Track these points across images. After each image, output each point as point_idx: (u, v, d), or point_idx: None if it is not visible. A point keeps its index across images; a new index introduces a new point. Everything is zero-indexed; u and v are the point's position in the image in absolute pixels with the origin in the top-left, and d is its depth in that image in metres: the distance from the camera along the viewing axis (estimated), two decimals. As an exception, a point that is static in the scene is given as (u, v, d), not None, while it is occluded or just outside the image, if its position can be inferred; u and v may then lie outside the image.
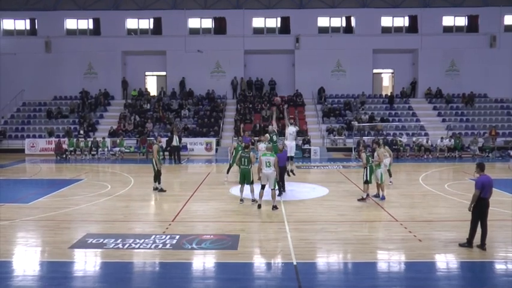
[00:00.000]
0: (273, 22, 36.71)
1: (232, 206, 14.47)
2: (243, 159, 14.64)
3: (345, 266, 9.43)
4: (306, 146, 29.28)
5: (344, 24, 36.45)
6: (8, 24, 37.80)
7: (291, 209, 13.86)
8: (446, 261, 9.48)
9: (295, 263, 9.07)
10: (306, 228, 11.63)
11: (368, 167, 14.82)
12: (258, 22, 36.65)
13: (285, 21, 36.11)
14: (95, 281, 8.74)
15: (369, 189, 15.05)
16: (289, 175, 16.88)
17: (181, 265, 9.20)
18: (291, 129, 17.68)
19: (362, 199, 14.86)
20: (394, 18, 36.43)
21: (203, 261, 9.56)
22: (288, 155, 16.69)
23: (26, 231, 12.08)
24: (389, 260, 9.59)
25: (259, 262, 9.46)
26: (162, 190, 16.73)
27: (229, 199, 15.59)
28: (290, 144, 17.17)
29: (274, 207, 13.43)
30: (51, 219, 12.97)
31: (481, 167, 9.90)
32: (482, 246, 9.70)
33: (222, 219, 12.69)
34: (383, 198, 15.02)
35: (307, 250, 9.93)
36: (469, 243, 9.85)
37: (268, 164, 13.39)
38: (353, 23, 36.24)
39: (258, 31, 36.65)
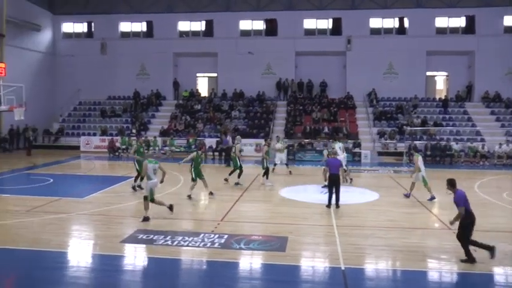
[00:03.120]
0: (325, 23, 36.37)
1: (281, 207, 14.49)
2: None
3: (394, 273, 9.26)
4: (356, 150, 28.85)
5: (397, 25, 35.66)
6: (67, 27, 39.43)
7: (340, 213, 13.74)
8: (504, 274, 9.09)
9: (343, 268, 8.99)
10: (354, 233, 11.51)
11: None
12: (309, 23, 36.41)
13: (337, 22, 35.71)
14: (144, 275, 9.00)
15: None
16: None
17: (229, 264, 9.30)
18: (338, 145, 19.31)
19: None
20: (450, 18, 35.24)
21: (250, 262, 9.64)
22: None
23: (80, 224, 12.64)
24: (441, 269, 9.29)
25: (306, 265, 9.44)
26: (139, 187, 16.94)
27: (278, 201, 15.63)
28: (340, 158, 18.14)
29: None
30: (104, 214, 13.44)
31: (453, 184, 9.67)
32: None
33: (271, 221, 12.74)
34: (432, 198, 15.46)
35: (355, 255, 9.82)
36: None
37: None
38: (406, 24, 35.39)
39: (309, 32, 36.42)
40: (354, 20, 35.21)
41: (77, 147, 32.25)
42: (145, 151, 17.88)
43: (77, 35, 39.36)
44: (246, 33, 36.89)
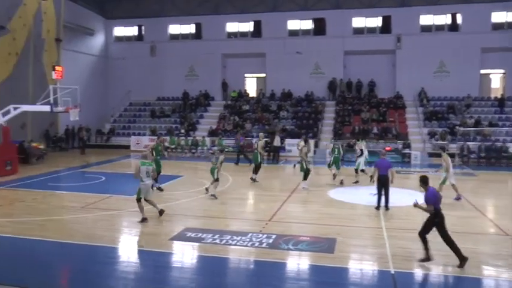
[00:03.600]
0: (374, 21, 35.66)
1: (330, 209, 14.39)
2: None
3: (445, 279, 8.97)
4: (406, 151, 28.19)
5: (449, 22, 34.51)
6: (118, 31, 40.62)
7: (390, 215, 13.50)
8: None
9: (392, 272, 8.83)
10: (404, 236, 11.24)
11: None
12: (358, 22, 35.81)
13: (386, 20, 34.97)
14: (192, 272, 9.16)
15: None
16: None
17: (277, 265, 9.32)
18: (363, 144, 19.76)
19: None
20: (508, 13, 33.56)
21: (298, 263, 9.62)
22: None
23: (131, 221, 12.98)
24: (498, 277, 8.85)
25: (355, 267, 9.32)
26: (160, 189, 16.75)
27: (326, 202, 15.51)
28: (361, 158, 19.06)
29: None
30: (153, 212, 13.72)
31: (425, 181, 9.60)
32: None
33: (319, 222, 12.67)
34: (458, 198, 15.49)
35: (405, 259, 9.60)
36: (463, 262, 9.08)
37: None
38: (459, 20, 34.16)
39: (358, 31, 35.84)
40: (403, 18, 34.32)
41: (128, 147, 33.13)
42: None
43: (128, 39, 40.45)
44: (294, 33, 36.75)
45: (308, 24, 36.52)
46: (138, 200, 12.61)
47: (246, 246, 10.36)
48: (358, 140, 20.96)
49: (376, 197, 14.21)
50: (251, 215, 14.13)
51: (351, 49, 35.14)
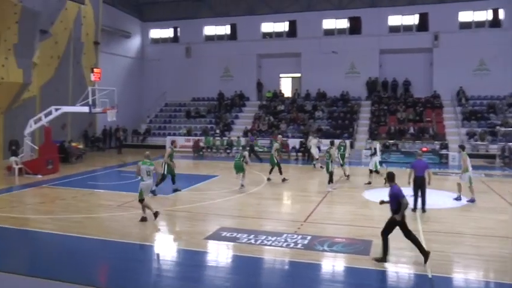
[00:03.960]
0: (410, 19, 34.96)
1: (365, 210, 14.24)
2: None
3: (486, 285, 8.68)
4: (444, 151, 27.55)
5: (490, 18, 33.43)
6: (155, 33, 41.31)
7: (426, 217, 13.22)
8: None
9: (430, 276, 8.64)
10: (442, 240, 11.01)
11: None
12: (394, 20, 35.20)
13: (423, 17, 34.17)
14: (226, 272, 9.22)
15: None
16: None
17: (312, 266, 9.28)
18: (378, 146, 19.55)
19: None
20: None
21: (333, 264, 9.55)
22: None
23: (166, 220, 13.23)
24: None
25: (391, 270, 9.16)
26: (153, 193, 15.87)
27: (362, 203, 15.35)
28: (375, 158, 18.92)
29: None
30: (189, 211, 13.93)
31: (391, 177, 9.71)
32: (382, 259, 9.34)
33: (354, 223, 12.55)
34: (472, 200, 15.16)
35: (443, 263, 9.38)
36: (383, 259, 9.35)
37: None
38: (501, 16, 33.04)
39: (394, 29, 35.23)
40: (441, 15, 33.44)
41: (163, 147, 33.45)
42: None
43: (164, 40, 41.04)
44: (329, 32, 36.46)
45: (343, 23, 36.18)
46: (141, 200, 12.72)
47: (281, 246, 10.35)
48: (373, 140, 20.55)
49: (412, 199, 13.96)
50: (286, 216, 14.10)
51: (387, 48, 34.59)
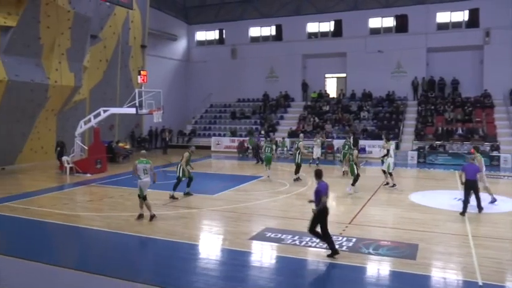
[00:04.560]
0: (460, 16, 33.83)
1: (411, 213, 13.89)
2: None
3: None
4: (495, 153, 26.51)
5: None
6: (200, 35, 41.94)
7: (476, 222, 12.76)
8: None
9: (480, 283, 8.27)
10: (493, 246, 10.57)
11: None
12: (442, 17, 34.15)
13: (474, 13, 32.94)
14: (271, 273, 9.19)
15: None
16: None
17: (357, 268, 9.15)
18: (392, 146, 18.88)
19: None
20: None
21: (379, 268, 9.36)
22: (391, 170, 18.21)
23: (211, 219, 13.37)
24: None
25: (438, 276, 8.86)
26: (174, 197, 15.91)
27: (408, 206, 14.99)
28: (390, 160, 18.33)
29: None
30: (233, 211, 14.00)
31: (318, 174, 10.06)
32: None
33: (400, 226, 12.26)
34: (493, 201, 14.83)
35: (495, 271, 8.96)
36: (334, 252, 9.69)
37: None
38: (561, 10, 31.42)
39: (442, 27, 34.16)
40: (493, 10, 32.08)
41: (208, 147, 33.99)
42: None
43: (209, 42, 41.58)
44: (375, 31, 35.89)
45: (390, 22, 35.50)
46: (143, 197, 12.87)
47: (326, 248, 10.22)
48: (387, 141, 19.89)
49: (460, 202, 13.57)
50: (331, 217, 13.71)
51: (435, 46, 33.63)
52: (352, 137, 26.65)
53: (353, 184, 16.90)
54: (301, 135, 25.20)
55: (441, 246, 10.55)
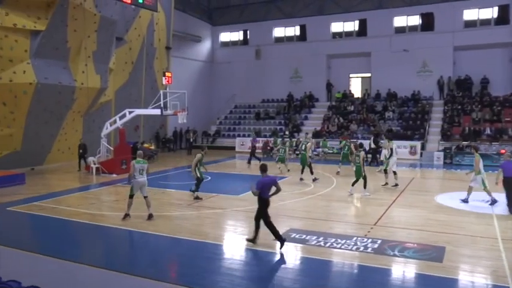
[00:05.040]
0: (488, 13, 33.08)
1: (438, 215, 13.65)
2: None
3: None
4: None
5: None
6: (225, 36, 42.14)
7: (506, 224, 12.48)
8: None
9: (511, 288, 8.07)
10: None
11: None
12: (470, 14, 33.48)
13: (503, 10, 32.12)
14: (295, 273, 9.15)
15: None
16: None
17: (382, 271, 9.03)
18: (394, 145, 19.02)
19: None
20: None
21: (404, 270, 9.23)
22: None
23: (235, 220, 13.42)
24: None
25: (467, 280, 8.65)
26: (198, 198, 15.96)
27: (434, 207, 14.75)
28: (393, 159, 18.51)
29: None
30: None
31: (263, 169, 10.82)
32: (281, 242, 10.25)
33: (426, 228, 12.06)
34: (493, 201, 14.55)
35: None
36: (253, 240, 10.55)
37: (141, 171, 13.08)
38: None
39: (470, 24, 33.47)
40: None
41: (233, 148, 34.09)
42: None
43: (233, 43, 41.75)
44: (400, 30, 35.46)
45: (415, 20, 35.02)
46: (130, 196, 13.06)
47: (351, 250, 10.16)
48: (389, 140, 19.59)
49: (488, 204, 13.35)
50: (356, 219, 13.84)
51: (462, 44, 32.93)
52: (373, 138, 26.50)
53: (364, 187, 16.60)
54: (309, 135, 25.19)
55: (469, 249, 10.33)
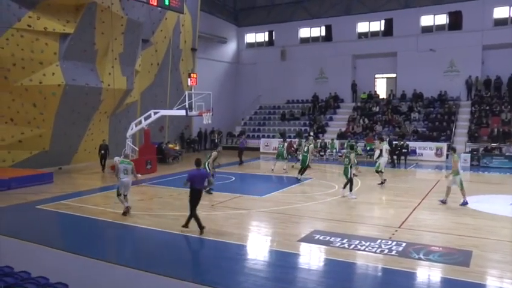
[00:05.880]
0: (520, 10, 32.26)
1: (464, 218, 13.42)
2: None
3: None
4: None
5: None
6: (250, 38, 42.25)
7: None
8: None
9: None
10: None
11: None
12: (500, 12, 32.62)
13: (535, 8, 31.35)
14: (319, 275, 9.12)
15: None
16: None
17: (406, 274, 8.94)
18: (385, 146, 19.25)
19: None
20: None
21: (429, 274, 9.11)
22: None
23: (259, 221, 13.44)
24: None
25: (494, 286, 8.48)
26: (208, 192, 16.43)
27: (461, 210, 14.47)
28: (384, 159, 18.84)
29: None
30: (282, 213, 14.00)
31: (196, 163, 12.04)
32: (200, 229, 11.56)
33: (452, 232, 11.87)
34: (465, 203, 14.72)
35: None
36: (186, 225, 11.78)
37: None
38: None
39: (500, 22, 32.57)
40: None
41: (257, 149, 34.10)
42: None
43: (259, 44, 41.81)
44: (427, 30, 34.90)
45: (442, 19, 34.42)
46: (118, 194, 13.75)
47: (375, 252, 10.09)
48: (381, 141, 19.53)
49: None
50: (380, 221, 13.69)
51: (491, 43, 32.08)
52: (388, 140, 26.18)
53: (350, 190, 16.34)
54: (311, 137, 24.95)
55: (497, 254, 10.10)
